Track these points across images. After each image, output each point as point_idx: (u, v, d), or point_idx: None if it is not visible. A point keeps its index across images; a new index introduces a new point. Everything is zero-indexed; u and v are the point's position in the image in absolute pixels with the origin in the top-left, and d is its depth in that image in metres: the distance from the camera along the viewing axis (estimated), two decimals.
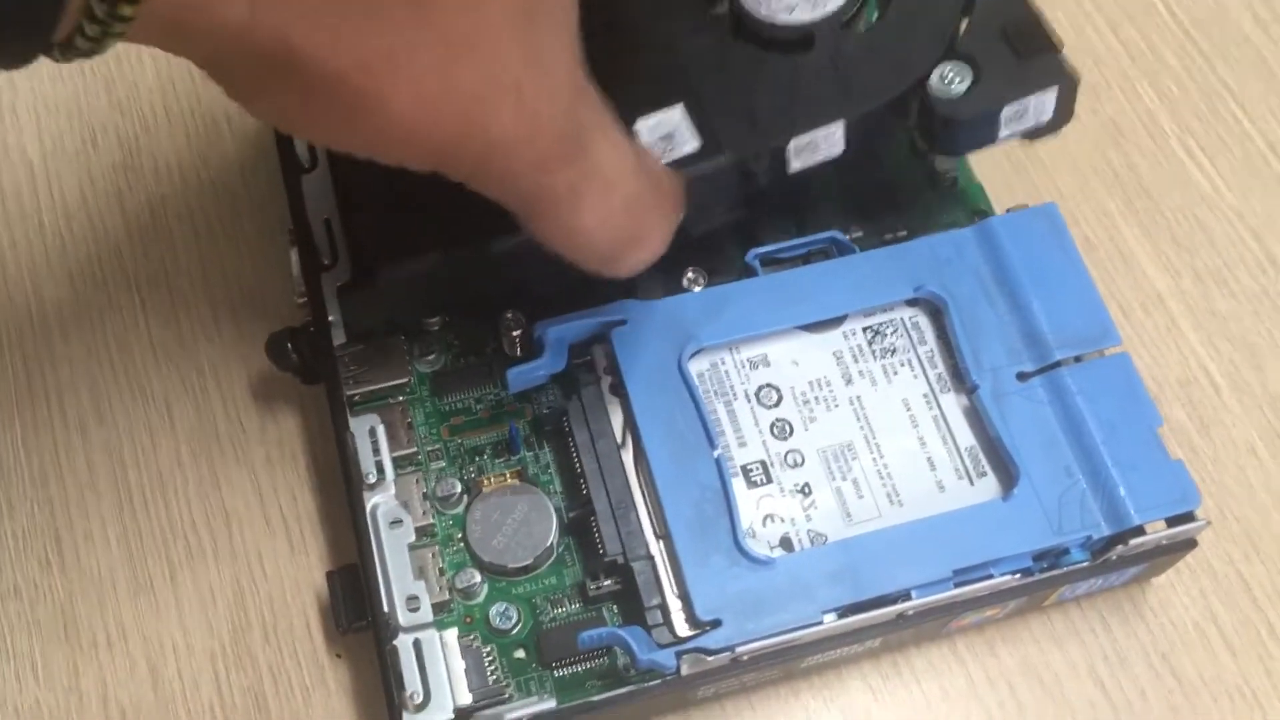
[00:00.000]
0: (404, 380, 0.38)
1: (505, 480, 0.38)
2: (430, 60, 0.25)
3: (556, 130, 0.27)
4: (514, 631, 0.36)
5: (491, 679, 0.35)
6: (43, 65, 0.46)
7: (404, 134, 0.26)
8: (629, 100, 0.31)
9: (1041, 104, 0.36)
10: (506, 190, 0.28)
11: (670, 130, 0.34)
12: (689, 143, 0.35)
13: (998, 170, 0.46)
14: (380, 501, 0.36)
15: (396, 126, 0.26)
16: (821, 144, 0.35)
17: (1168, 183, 0.46)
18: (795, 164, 0.35)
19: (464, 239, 0.35)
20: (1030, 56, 0.36)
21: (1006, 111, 0.35)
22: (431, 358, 0.39)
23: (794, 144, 0.35)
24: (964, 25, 0.36)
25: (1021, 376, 0.37)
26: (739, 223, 0.40)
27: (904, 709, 0.38)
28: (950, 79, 0.36)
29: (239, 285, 0.43)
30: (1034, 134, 0.36)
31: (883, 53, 0.36)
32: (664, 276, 0.40)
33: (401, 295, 0.38)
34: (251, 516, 0.40)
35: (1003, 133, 0.36)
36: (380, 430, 0.37)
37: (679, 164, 0.34)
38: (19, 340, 0.42)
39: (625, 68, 0.32)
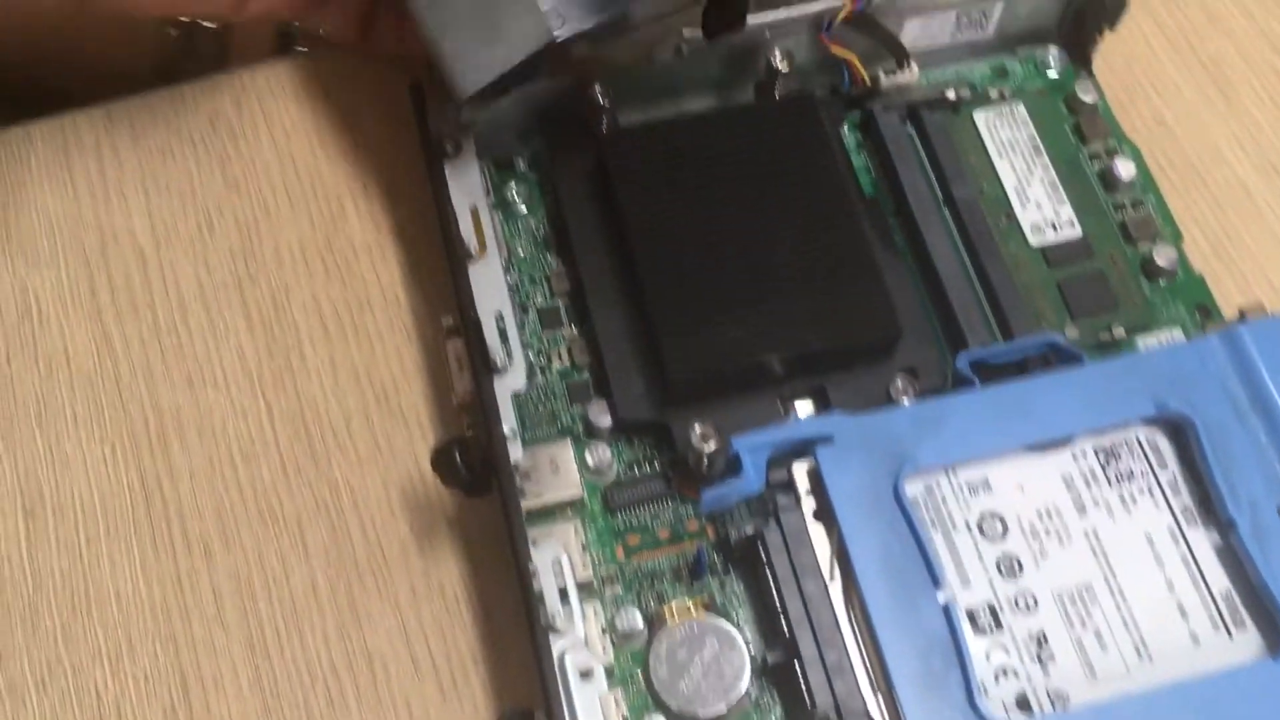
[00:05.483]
0: (576, 495, 0.34)
1: (690, 611, 0.33)
2: None
3: None
4: None
5: None
6: (151, 140, 0.42)
7: None
8: None
9: None
10: None
11: None
12: None
13: (1203, 261, 0.41)
14: (568, 647, 0.32)
15: None
16: None
17: None
18: None
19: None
20: None
21: None
22: (602, 468, 0.35)
23: None
24: None
25: None
26: (940, 321, 0.36)
27: None
28: None
29: (372, 387, 0.39)
30: None
31: None
32: (866, 384, 0.36)
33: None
34: (397, 657, 0.35)
35: None
36: (564, 563, 0.32)
37: None
38: (135, 453, 0.37)
39: None
